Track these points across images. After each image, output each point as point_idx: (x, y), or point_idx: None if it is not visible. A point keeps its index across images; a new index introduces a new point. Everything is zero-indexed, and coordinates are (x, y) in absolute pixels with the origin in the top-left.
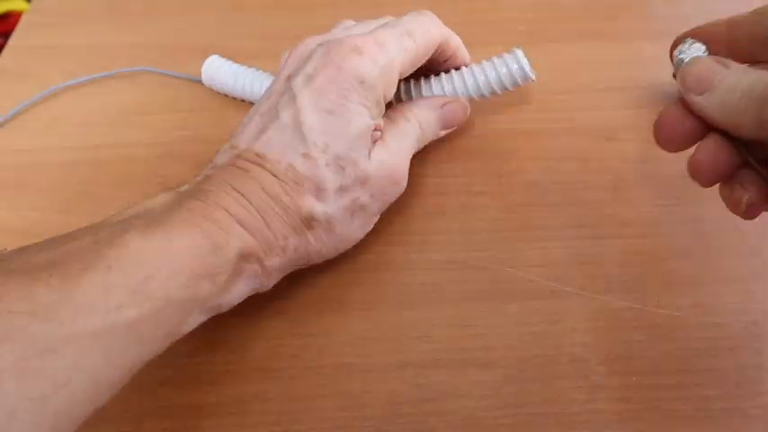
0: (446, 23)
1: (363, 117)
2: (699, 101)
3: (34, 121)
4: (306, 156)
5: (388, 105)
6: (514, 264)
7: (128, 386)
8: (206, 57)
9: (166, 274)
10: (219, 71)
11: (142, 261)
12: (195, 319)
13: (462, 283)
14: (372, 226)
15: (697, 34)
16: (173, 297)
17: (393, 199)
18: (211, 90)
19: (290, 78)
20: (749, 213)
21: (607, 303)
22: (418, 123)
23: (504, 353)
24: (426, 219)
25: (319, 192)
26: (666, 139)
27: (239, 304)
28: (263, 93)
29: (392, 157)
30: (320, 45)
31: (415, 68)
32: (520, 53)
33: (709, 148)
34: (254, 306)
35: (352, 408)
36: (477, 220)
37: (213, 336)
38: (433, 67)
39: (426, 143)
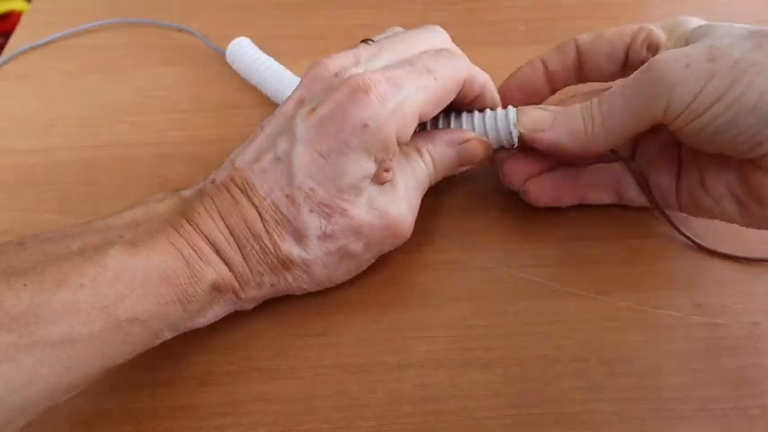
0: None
1: (361, 164)
2: (545, 137)
3: (33, 121)
4: (290, 198)
5: None
6: (514, 264)
7: (127, 386)
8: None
9: (137, 297)
10: (244, 52)
11: (117, 282)
12: (166, 335)
13: (463, 284)
14: (363, 269)
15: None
16: (140, 318)
17: (392, 248)
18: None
19: (301, 104)
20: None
21: (607, 303)
22: (432, 160)
23: (505, 353)
24: (426, 218)
25: (300, 237)
26: (510, 180)
27: None
28: (275, 89)
29: (396, 206)
30: (335, 76)
31: (440, 109)
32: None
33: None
34: (254, 307)
35: (352, 408)
36: (477, 220)
37: (213, 336)
38: (456, 107)
39: (439, 180)
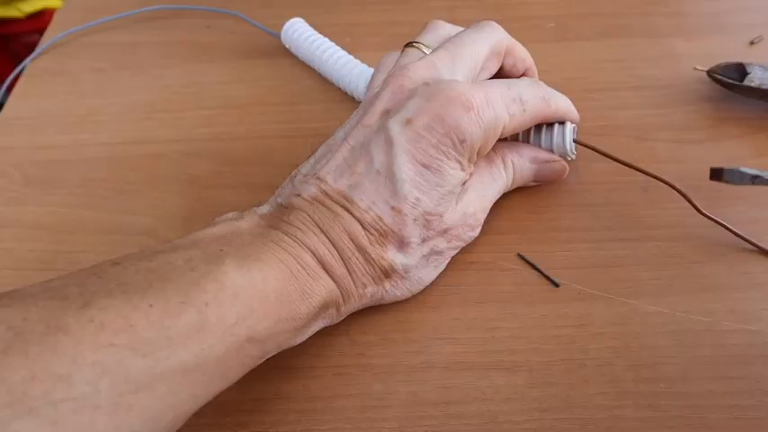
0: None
1: (457, 172)
2: None
3: (64, 117)
4: (395, 209)
5: None
6: (541, 265)
7: None
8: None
9: (257, 317)
10: (300, 32)
11: (237, 301)
12: (269, 355)
13: (488, 285)
14: (444, 267)
15: None
16: (256, 337)
17: (465, 243)
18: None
19: (387, 114)
20: None
21: (635, 307)
22: (513, 171)
23: (530, 356)
24: None
25: (403, 245)
26: None
27: None
28: (334, 66)
29: (476, 205)
30: (426, 85)
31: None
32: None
33: None
34: None
35: (373, 408)
36: (503, 220)
37: None
38: None
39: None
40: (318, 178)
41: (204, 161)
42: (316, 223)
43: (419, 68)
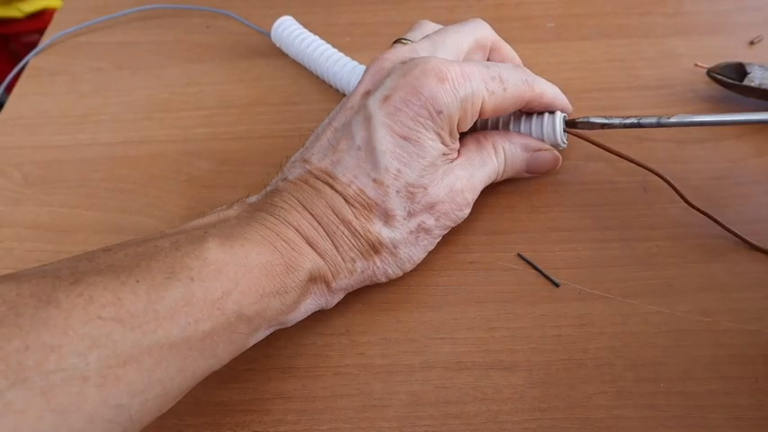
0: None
1: (435, 144)
2: None
3: (63, 117)
4: (377, 181)
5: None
6: (541, 265)
7: None
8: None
9: (242, 290)
10: (289, 31)
11: (221, 275)
12: (261, 334)
13: (487, 285)
14: (434, 247)
15: None
16: (244, 313)
17: (455, 223)
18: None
19: (367, 95)
20: None
21: (635, 307)
22: (504, 158)
23: (529, 356)
24: None
25: (388, 218)
26: None
27: None
28: (325, 64)
29: (463, 183)
30: (402, 63)
31: (500, 114)
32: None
33: None
34: None
35: (373, 408)
36: (503, 220)
37: None
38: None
39: (503, 179)
40: (304, 160)
41: (203, 161)
42: (299, 201)
43: (399, 51)
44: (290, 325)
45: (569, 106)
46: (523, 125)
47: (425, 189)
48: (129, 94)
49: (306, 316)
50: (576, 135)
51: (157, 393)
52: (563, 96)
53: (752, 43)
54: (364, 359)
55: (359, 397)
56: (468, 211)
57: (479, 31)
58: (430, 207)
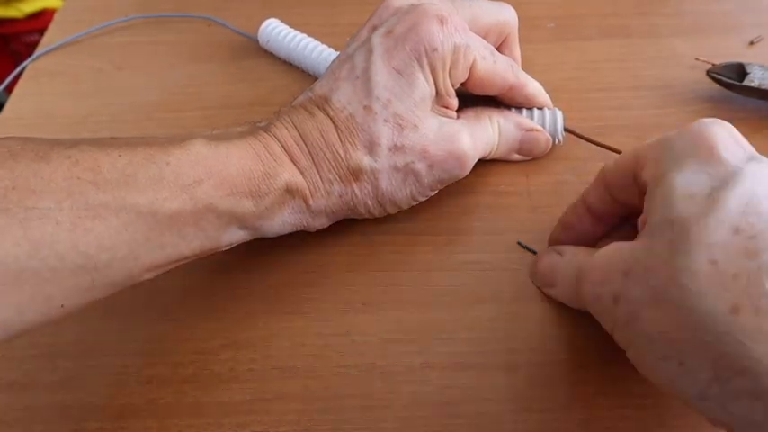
0: None
1: (429, 82)
2: (552, 294)
3: (64, 118)
4: (367, 108)
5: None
6: None
7: (153, 381)
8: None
9: (214, 183)
10: (278, 32)
11: (197, 165)
12: (235, 234)
13: (487, 285)
14: (425, 198)
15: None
16: (214, 204)
17: (451, 178)
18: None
19: (373, 29)
20: None
21: None
22: (499, 131)
23: (529, 356)
24: (452, 218)
25: (372, 146)
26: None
27: (262, 301)
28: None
29: (461, 137)
30: (411, 5)
31: (483, 89)
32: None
33: None
34: (277, 304)
35: (373, 409)
36: (503, 219)
37: (236, 334)
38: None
39: (495, 156)
40: (310, 89)
41: None
42: (292, 122)
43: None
44: (269, 235)
45: (551, 104)
46: (525, 113)
47: (415, 126)
48: (130, 95)
49: (288, 231)
50: (575, 135)
51: (125, 254)
52: (545, 94)
53: (752, 43)
54: (364, 359)
55: (359, 397)
56: (466, 168)
57: (504, 15)
58: (421, 150)
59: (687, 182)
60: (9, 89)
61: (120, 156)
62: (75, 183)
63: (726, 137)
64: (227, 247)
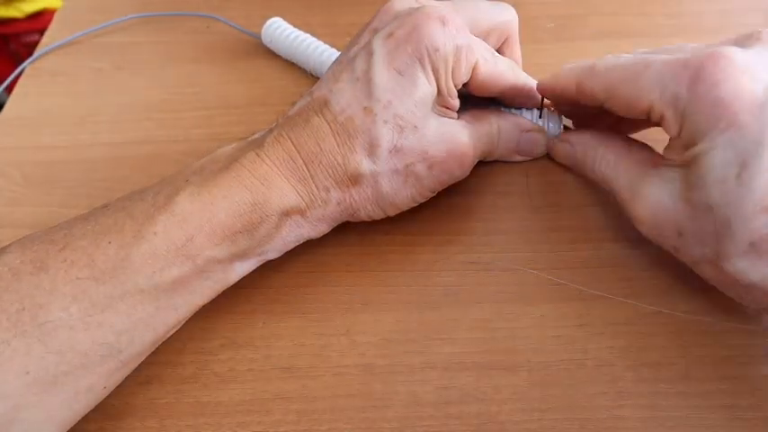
0: None
1: (431, 82)
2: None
3: (63, 118)
4: (366, 110)
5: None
6: (541, 265)
7: (152, 381)
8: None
9: (206, 234)
10: (281, 31)
11: (185, 223)
12: (241, 267)
13: (487, 285)
14: (425, 199)
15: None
16: (211, 254)
17: (451, 179)
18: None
19: (374, 31)
20: None
21: (635, 308)
22: (499, 131)
23: (529, 356)
24: (452, 219)
25: (372, 148)
26: None
27: (262, 301)
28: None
29: (461, 138)
30: (412, 8)
31: (484, 89)
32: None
33: None
34: (277, 305)
35: (374, 409)
36: (503, 220)
37: (236, 334)
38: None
39: (495, 157)
40: (310, 92)
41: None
42: (288, 134)
43: (408, 1)
44: (276, 256)
45: (551, 105)
46: (525, 114)
47: (415, 127)
48: (129, 95)
49: (291, 246)
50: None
51: (142, 330)
52: (538, 94)
53: None
54: (364, 359)
55: (359, 397)
56: (466, 169)
57: (504, 16)
58: (421, 151)
59: (716, 163)
60: (9, 89)
61: (110, 243)
62: (76, 284)
63: (744, 90)
64: (239, 278)
